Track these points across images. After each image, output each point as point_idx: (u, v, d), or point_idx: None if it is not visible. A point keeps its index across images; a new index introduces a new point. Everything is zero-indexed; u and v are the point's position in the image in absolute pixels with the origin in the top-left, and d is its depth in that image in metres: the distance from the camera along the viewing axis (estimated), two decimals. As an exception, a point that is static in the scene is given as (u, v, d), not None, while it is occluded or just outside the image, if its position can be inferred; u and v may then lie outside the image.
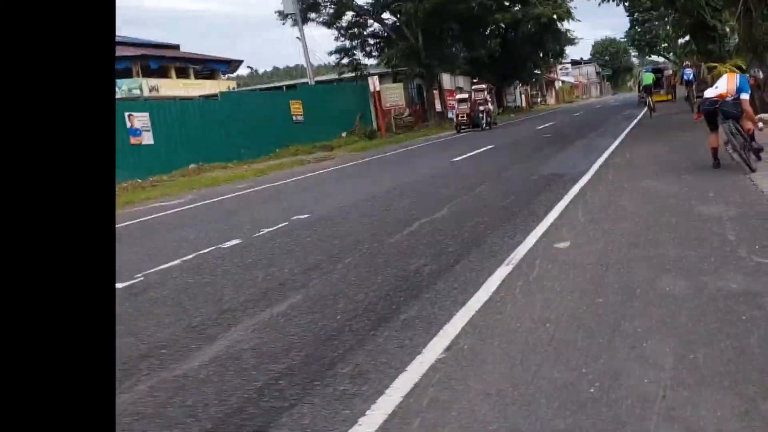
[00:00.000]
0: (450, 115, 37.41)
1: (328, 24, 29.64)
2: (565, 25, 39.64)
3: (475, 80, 43.37)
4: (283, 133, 21.22)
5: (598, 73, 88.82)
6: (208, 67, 36.86)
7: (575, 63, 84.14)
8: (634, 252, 4.41)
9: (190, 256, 5.88)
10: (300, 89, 26.72)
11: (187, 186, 14.00)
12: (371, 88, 24.78)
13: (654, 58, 60.60)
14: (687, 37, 28.90)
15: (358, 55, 30.91)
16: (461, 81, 40.84)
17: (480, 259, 4.67)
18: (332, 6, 29.03)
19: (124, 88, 29.30)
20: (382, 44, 31.19)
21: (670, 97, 28.15)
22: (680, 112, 19.57)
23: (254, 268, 5.17)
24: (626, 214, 5.70)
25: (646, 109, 24.26)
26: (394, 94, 27.81)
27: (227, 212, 9.24)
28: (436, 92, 33.51)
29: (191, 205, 10.53)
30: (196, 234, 7.31)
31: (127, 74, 30.66)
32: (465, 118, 24.36)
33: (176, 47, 37.52)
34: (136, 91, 29.75)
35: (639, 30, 61.40)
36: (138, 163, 16.44)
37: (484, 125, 23.83)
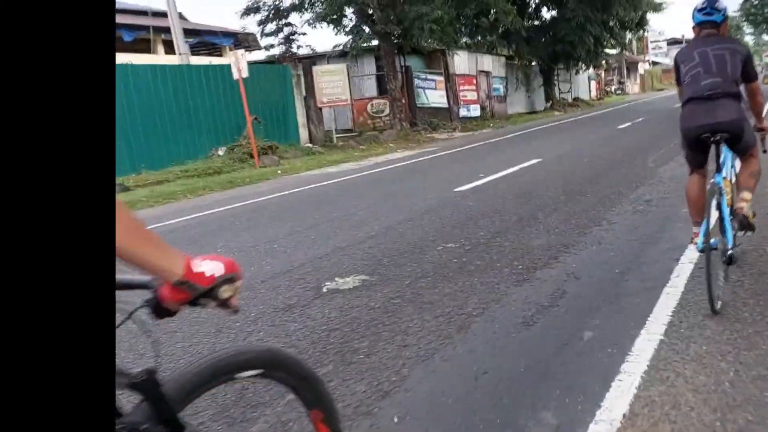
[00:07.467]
0: (462, 113, 26.35)
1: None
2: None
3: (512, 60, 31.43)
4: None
5: (701, 55, 72.57)
6: (206, 40, 26.95)
7: (674, 42, 68.67)
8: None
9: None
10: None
11: None
12: (234, 72, 12.95)
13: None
14: None
15: (297, 23, 19.63)
16: (490, 62, 29.32)
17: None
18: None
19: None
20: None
21: None
22: None
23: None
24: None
25: None
26: (333, 83, 17.23)
27: None
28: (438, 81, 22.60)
29: None
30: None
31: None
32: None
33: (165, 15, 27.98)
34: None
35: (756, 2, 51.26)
36: None
37: None
